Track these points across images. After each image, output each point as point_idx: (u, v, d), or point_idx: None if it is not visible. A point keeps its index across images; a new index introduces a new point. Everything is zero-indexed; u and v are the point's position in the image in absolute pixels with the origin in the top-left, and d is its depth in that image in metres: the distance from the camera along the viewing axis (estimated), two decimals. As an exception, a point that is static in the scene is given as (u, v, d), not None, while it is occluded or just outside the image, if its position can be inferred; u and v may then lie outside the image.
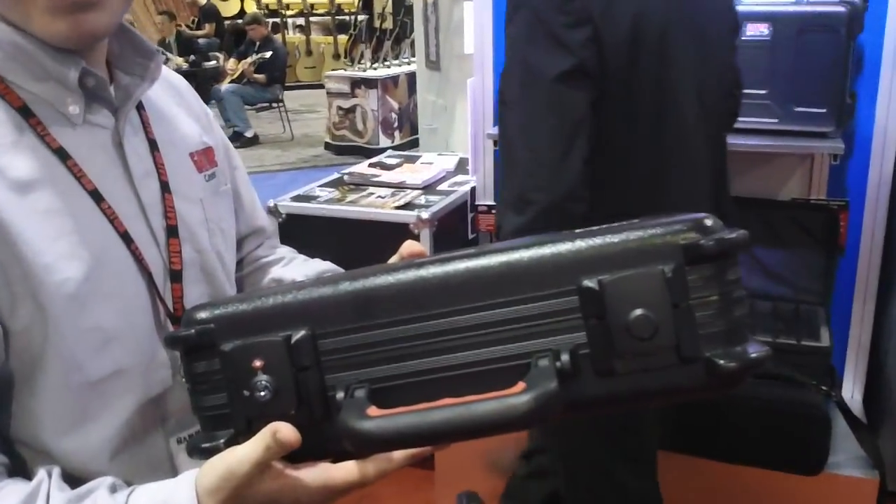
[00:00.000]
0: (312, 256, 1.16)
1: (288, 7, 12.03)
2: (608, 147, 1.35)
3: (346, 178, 2.82)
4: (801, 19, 1.96)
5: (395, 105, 7.17)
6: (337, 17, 11.34)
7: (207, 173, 0.97)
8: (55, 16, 0.75)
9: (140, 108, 0.90)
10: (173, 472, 0.84)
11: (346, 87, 7.16)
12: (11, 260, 0.73)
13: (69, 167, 0.79)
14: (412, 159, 3.06)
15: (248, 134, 8.22)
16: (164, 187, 0.88)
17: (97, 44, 0.83)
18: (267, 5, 11.93)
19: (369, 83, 7.07)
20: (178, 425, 0.85)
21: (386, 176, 2.79)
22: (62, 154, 0.79)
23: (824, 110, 1.97)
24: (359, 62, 7.65)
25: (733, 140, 2.01)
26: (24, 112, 0.78)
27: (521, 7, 1.33)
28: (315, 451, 0.68)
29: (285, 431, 0.64)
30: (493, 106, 2.47)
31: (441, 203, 2.50)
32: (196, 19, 11.44)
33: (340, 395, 0.66)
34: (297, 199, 2.61)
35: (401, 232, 2.37)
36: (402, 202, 2.51)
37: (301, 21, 11.98)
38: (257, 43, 8.56)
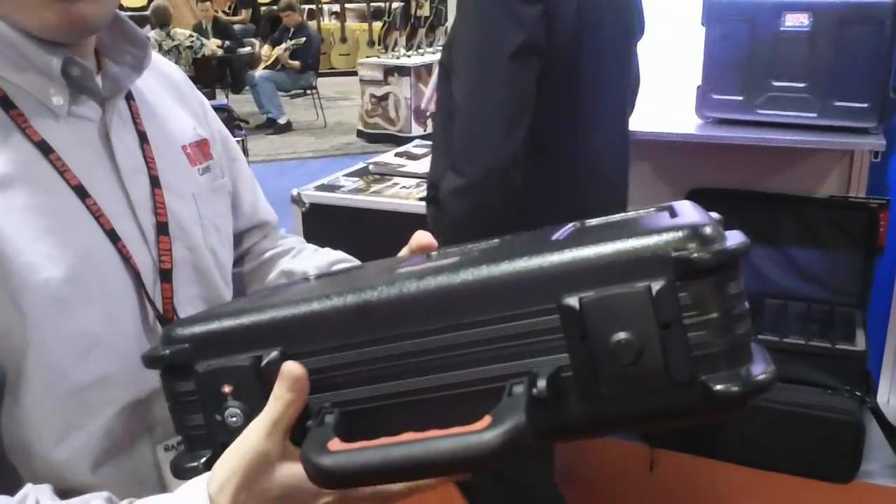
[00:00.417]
0: (335, 247, 1.12)
1: (324, -7, 12.04)
2: (551, 121, 1.44)
3: (371, 167, 2.79)
4: (843, 9, 1.88)
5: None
6: (372, 4, 11.31)
7: (202, 167, 0.93)
8: (49, 5, 0.71)
9: (130, 98, 0.86)
10: (160, 480, 0.80)
11: (379, 75, 7.13)
12: None
13: (52, 161, 0.75)
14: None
15: (282, 120, 8.23)
16: (154, 182, 0.84)
17: (90, 35, 0.79)
18: (303, -8, 11.95)
19: (402, 71, 7.04)
20: (166, 433, 0.81)
21: (412, 166, 2.75)
22: (44, 147, 0.75)
23: (866, 105, 1.89)
24: (392, 49, 7.62)
25: (770, 135, 1.95)
26: (4, 103, 0.74)
27: None
28: None
29: (289, 366, 0.61)
30: (522, 96, 2.42)
31: (466, 194, 2.45)
32: (233, 5, 11.49)
33: (310, 422, 0.63)
34: (320, 188, 2.58)
35: (423, 223, 2.32)
36: (425, 193, 2.47)
37: (336, 8, 11.97)
38: (292, 29, 8.56)
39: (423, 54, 7.35)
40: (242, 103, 8.97)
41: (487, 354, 0.60)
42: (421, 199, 2.42)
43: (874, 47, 1.86)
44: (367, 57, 8.48)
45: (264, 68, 8.45)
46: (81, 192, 0.77)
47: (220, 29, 9.58)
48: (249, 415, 0.63)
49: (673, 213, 0.64)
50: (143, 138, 0.85)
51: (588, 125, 1.53)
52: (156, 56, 0.94)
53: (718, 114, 2.07)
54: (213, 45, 8.64)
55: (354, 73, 8.48)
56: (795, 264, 2.23)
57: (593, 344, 0.56)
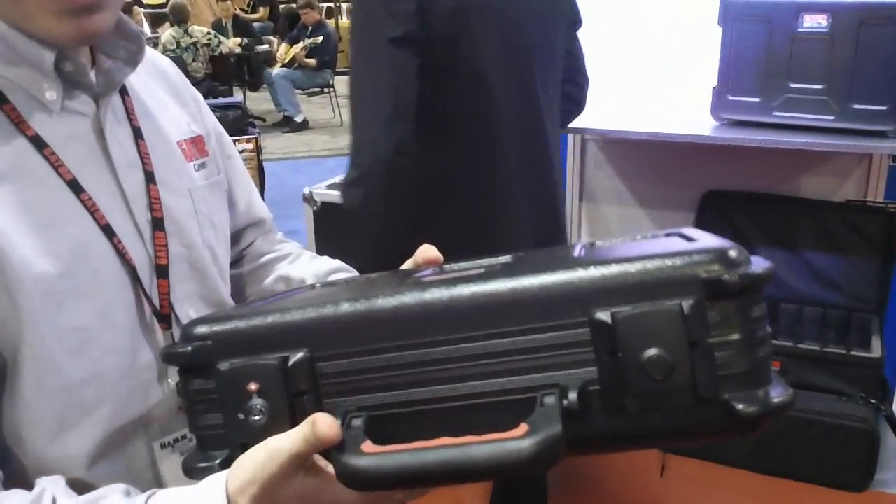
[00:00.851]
0: (346, 246, 1.12)
1: (342, -8, 12.05)
2: (440, 111, 1.47)
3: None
4: (862, 10, 1.84)
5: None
6: (391, 3, 11.30)
7: (197, 162, 0.92)
8: (61, 19, 0.72)
9: (124, 93, 0.86)
10: (156, 478, 0.80)
11: (395, 74, 7.12)
12: None
13: (45, 156, 0.75)
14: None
15: (298, 118, 8.25)
16: (149, 178, 0.84)
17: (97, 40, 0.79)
18: (321, -10, 11.97)
19: (419, 70, 7.02)
20: (162, 430, 0.81)
21: (425, 165, 2.74)
22: (38, 142, 0.75)
23: (885, 108, 1.86)
24: (409, 48, 7.61)
25: (787, 137, 1.93)
26: None
27: None
28: None
29: (323, 424, 0.60)
30: (536, 96, 2.40)
31: (479, 194, 2.44)
32: (251, 2, 11.53)
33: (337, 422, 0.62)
34: (332, 186, 2.57)
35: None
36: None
37: (355, 6, 11.98)
38: (310, 27, 8.57)
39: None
40: (260, 101, 8.99)
41: (517, 365, 0.60)
42: (433, 199, 2.41)
43: (893, 49, 1.83)
44: (385, 55, 8.47)
45: (282, 66, 8.47)
46: (76, 186, 0.76)
47: (240, 26, 9.63)
48: (273, 415, 0.63)
49: (687, 238, 0.66)
50: (137, 133, 0.85)
51: (484, 117, 1.53)
52: (150, 51, 0.94)
53: (734, 115, 2.04)
54: (230, 43, 8.68)
55: (372, 72, 8.47)
56: (812, 268, 2.20)
57: (624, 359, 0.58)
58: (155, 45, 7.51)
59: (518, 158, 1.62)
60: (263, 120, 8.32)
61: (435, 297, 0.62)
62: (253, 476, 0.61)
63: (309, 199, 2.50)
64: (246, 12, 11.24)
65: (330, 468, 0.61)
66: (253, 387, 0.63)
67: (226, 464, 0.64)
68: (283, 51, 8.72)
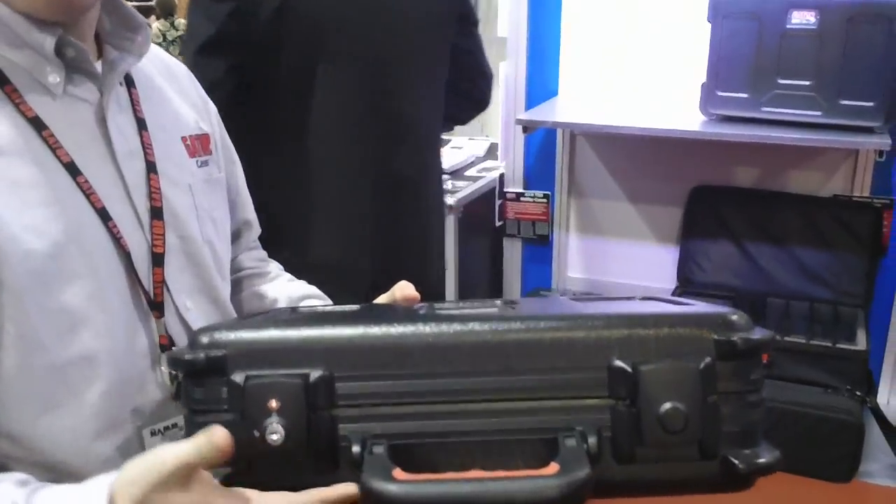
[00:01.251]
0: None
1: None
2: (271, 110, 1.53)
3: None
4: (850, 7, 1.86)
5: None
6: None
7: (200, 159, 0.94)
8: None
9: (131, 85, 0.87)
10: None
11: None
12: None
13: (44, 137, 0.75)
14: (442, 143, 3.01)
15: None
16: (151, 168, 0.85)
17: (81, 15, 0.79)
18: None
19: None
20: (153, 417, 0.81)
21: (415, 159, 2.74)
22: (38, 124, 0.76)
23: (872, 104, 1.88)
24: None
25: (775, 133, 1.94)
26: None
27: None
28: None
29: (220, 433, 0.59)
30: (526, 90, 2.41)
31: (468, 189, 2.45)
32: None
33: (357, 448, 0.61)
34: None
35: (426, 217, 2.32)
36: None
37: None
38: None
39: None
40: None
41: (537, 404, 0.62)
42: (423, 193, 2.42)
43: (881, 46, 1.85)
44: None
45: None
46: (73, 169, 0.77)
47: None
48: (289, 435, 0.60)
49: (676, 303, 0.72)
50: (141, 125, 0.86)
51: (298, 126, 1.55)
52: (162, 52, 0.97)
53: (723, 111, 2.06)
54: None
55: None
56: (799, 263, 2.22)
57: (642, 408, 0.60)
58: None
59: (358, 169, 1.61)
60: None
61: (462, 329, 0.63)
62: (137, 477, 0.60)
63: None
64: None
65: (220, 490, 0.61)
66: (274, 404, 0.61)
67: (228, 481, 0.62)
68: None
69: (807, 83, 1.94)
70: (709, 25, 2.02)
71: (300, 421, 0.61)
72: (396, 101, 1.65)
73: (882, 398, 2.23)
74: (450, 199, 2.32)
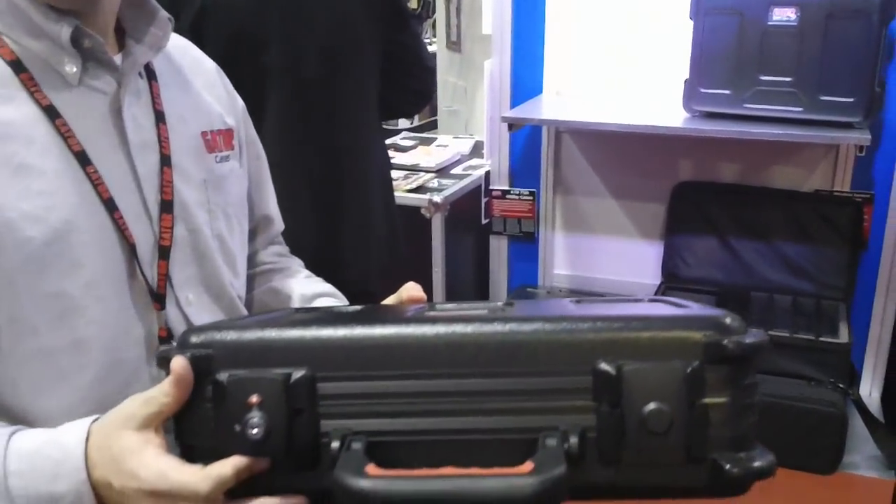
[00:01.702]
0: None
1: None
2: None
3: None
4: (830, 4, 1.88)
5: (416, 86, 7.10)
6: (361, -4, 11.25)
7: (219, 155, 0.94)
8: None
9: (152, 78, 0.88)
10: None
11: (367, 67, 7.09)
12: None
13: (56, 126, 0.76)
14: (427, 141, 3.02)
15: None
16: (165, 161, 0.85)
17: (98, 5, 0.80)
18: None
19: (390, 63, 7.00)
20: None
21: (400, 158, 2.75)
22: (51, 112, 0.76)
23: (852, 100, 1.90)
24: (381, 42, 7.58)
25: (757, 129, 1.96)
26: (16, 66, 0.76)
27: None
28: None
29: (176, 363, 0.63)
30: (511, 88, 2.42)
31: (454, 187, 2.46)
32: None
33: (336, 444, 0.62)
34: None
35: (413, 215, 2.33)
36: (414, 185, 2.47)
37: None
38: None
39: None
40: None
41: (518, 405, 0.62)
42: (409, 191, 2.43)
43: (860, 42, 1.87)
44: (356, 49, 8.43)
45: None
46: (83, 158, 0.77)
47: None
48: (270, 430, 0.62)
49: (677, 305, 0.71)
50: (159, 117, 0.86)
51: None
52: (192, 47, 0.98)
53: (706, 107, 2.07)
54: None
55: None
56: (782, 257, 2.24)
57: (626, 410, 0.59)
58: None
59: (290, 174, 1.63)
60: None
61: (445, 331, 0.63)
62: (111, 415, 0.67)
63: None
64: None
65: (151, 445, 0.64)
66: (254, 399, 0.62)
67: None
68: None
69: (788, 79, 1.96)
70: (691, 22, 2.04)
71: (280, 417, 0.62)
72: (318, 105, 1.68)
73: (864, 390, 2.25)
74: (437, 197, 2.33)
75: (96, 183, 0.78)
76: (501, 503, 0.55)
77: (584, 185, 2.46)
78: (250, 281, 1.06)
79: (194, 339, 0.65)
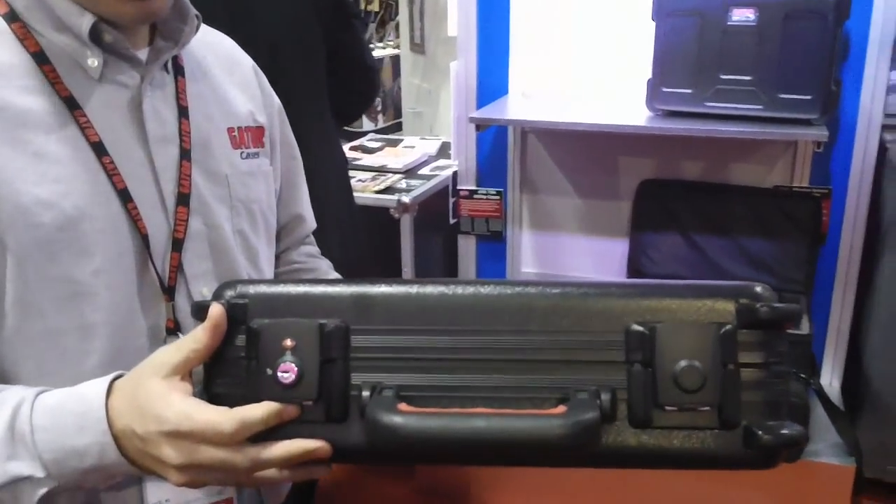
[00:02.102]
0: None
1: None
2: None
3: (327, 160, 2.78)
4: (787, 4, 1.93)
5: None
6: (321, -1, 11.19)
7: (246, 151, 0.94)
8: (125, 1, 0.77)
9: (179, 73, 0.89)
10: None
11: (329, 70, 7.07)
12: None
13: (75, 117, 0.78)
14: (394, 143, 3.03)
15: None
16: (184, 155, 0.86)
17: (156, 19, 0.83)
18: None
19: (353, 66, 6.99)
20: None
21: (367, 159, 2.76)
22: (71, 103, 0.78)
23: (810, 97, 1.96)
24: (343, 45, 7.57)
25: (718, 127, 2.01)
26: (40, 58, 0.77)
27: None
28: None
29: (215, 307, 0.65)
30: (477, 89, 2.44)
31: (422, 187, 2.48)
32: None
33: (366, 393, 0.63)
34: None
35: (381, 216, 2.34)
36: (382, 186, 2.48)
37: (285, 2, 11.82)
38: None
39: (373, 49, 7.33)
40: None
41: (549, 363, 0.62)
42: (377, 192, 2.44)
43: (817, 41, 1.92)
44: (318, 52, 8.40)
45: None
46: (99, 148, 0.79)
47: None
48: (302, 376, 0.62)
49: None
50: (182, 112, 0.87)
51: None
52: (230, 43, 1.00)
53: (668, 106, 2.11)
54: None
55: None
56: (744, 252, 2.29)
57: (658, 367, 0.60)
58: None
59: None
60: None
61: (479, 290, 0.64)
62: (139, 367, 0.69)
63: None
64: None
65: (186, 394, 0.65)
66: (289, 343, 0.63)
67: None
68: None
69: (747, 78, 2.01)
70: (653, 24, 2.08)
71: (312, 363, 0.63)
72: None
73: (825, 380, 2.31)
74: (405, 198, 2.34)
75: (111, 173, 0.79)
76: (532, 443, 0.55)
77: (551, 184, 2.50)
78: (277, 279, 1.05)
79: (229, 291, 0.67)
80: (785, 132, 1.99)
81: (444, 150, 2.89)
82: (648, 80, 2.12)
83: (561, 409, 0.57)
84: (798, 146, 2.22)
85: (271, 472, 0.65)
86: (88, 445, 0.68)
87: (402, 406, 0.59)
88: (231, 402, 0.65)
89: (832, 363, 2.32)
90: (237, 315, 0.65)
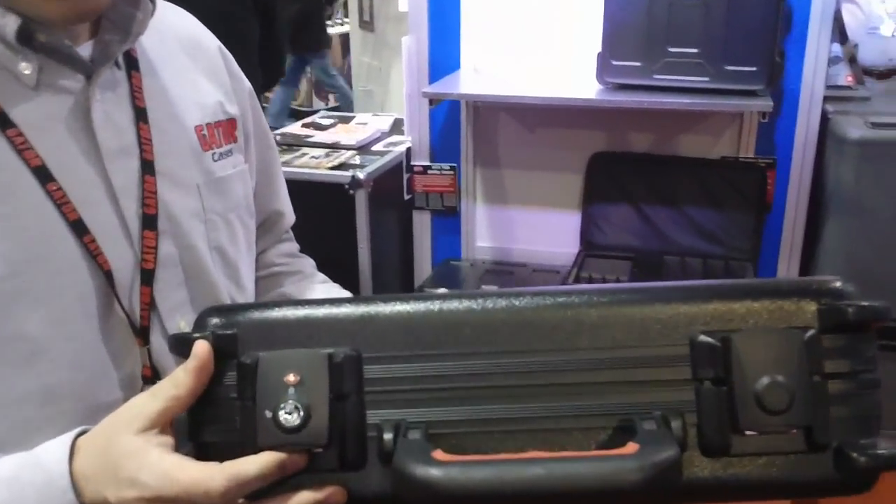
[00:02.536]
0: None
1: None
2: None
3: (278, 138, 2.76)
4: (732, -23, 1.97)
5: (329, 67, 7.05)
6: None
7: (218, 151, 0.81)
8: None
9: (133, 68, 0.75)
10: None
11: (277, 49, 7.00)
12: None
13: (9, 137, 0.65)
14: (346, 119, 3.02)
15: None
16: (147, 167, 0.72)
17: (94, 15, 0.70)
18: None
19: (301, 45, 6.93)
20: None
21: (320, 136, 2.75)
22: (2, 120, 0.65)
23: (755, 69, 2.01)
24: (290, 23, 7.49)
25: (666, 99, 2.05)
26: None
27: None
28: None
29: (200, 345, 0.54)
30: (429, 65, 2.45)
31: (376, 163, 2.47)
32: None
33: (388, 435, 0.52)
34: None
35: (336, 192, 2.33)
36: (336, 162, 2.47)
37: (230, -19, 11.63)
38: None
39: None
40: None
41: (604, 386, 0.51)
42: (331, 168, 2.43)
43: (761, 14, 1.97)
44: (265, 31, 8.30)
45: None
46: (43, 174, 0.66)
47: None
48: (308, 416, 0.52)
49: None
50: (140, 115, 0.73)
51: None
52: (193, 23, 0.85)
53: (618, 79, 2.15)
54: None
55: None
56: (692, 223, 2.35)
57: (736, 385, 0.50)
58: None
59: None
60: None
61: (511, 303, 0.54)
62: (108, 419, 0.57)
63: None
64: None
65: (166, 449, 0.54)
66: (292, 378, 0.52)
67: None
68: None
69: (694, 51, 2.05)
70: (602, -3, 2.10)
71: (321, 401, 0.52)
72: None
73: (772, 345, 2.38)
74: (360, 174, 2.34)
75: (60, 203, 0.66)
76: (603, 492, 0.45)
77: (504, 158, 2.52)
78: (256, 285, 0.92)
79: (214, 319, 0.55)
80: (731, 103, 2.04)
81: (396, 127, 2.88)
82: (598, 54, 2.15)
83: (632, 447, 0.46)
84: (744, 117, 2.27)
85: None
86: None
87: (438, 454, 0.48)
88: (223, 453, 0.54)
89: (778, 328, 2.39)
90: (225, 348, 0.54)
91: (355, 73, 4.51)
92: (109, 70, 0.72)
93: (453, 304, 0.54)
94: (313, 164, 2.45)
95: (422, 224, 2.61)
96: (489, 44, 2.43)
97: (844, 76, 2.31)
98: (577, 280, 2.24)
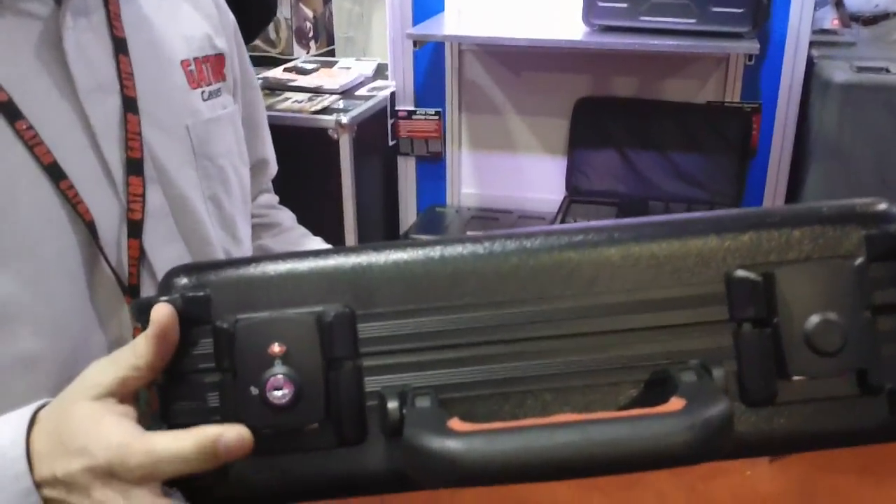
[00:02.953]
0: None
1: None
2: None
3: (260, 83, 2.72)
4: (720, -84, 1.95)
5: (310, 13, 6.88)
6: (245, -77, 10.79)
7: (207, 90, 0.73)
8: None
9: None
10: None
11: (257, -4, 6.87)
12: None
13: None
14: (329, 64, 2.98)
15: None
16: (129, 105, 0.64)
17: None
18: None
19: (282, -9, 6.81)
20: None
21: (302, 80, 2.71)
22: None
23: (741, 10, 1.99)
24: (270, -31, 7.34)
25: (654, 41, 2.03)
26: None
27: None
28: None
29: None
30: (412, 7, 2.41)
31: (360, 108, 2.45)
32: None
33: (392, 404, 0.45)
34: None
35: (319, 137, 2.31)
36: (319, 107, 2.44)
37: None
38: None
39: (302, -26, 7.12)
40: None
41: (631, 334, 0.46)
42: (315, 112, 2.41)
43: (749, -47, 1.95)
44: (244, -22, 8.13)
45: None
46: (10, 110, 0.58)
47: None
48: (301, 389, 0.45)
49: None
50: (119, 46, 0.65)
51: None
52: None
53: (605, 21, 2.13)
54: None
55: (231, -5, 8.11)
56: (677, 168, 2.35)
57: (782, 327, 0.45)
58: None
59: None
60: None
61: (525, 246, 0.47)
62: (66, 389, 0.50)
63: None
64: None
65: (124, 418, 0.47)
66: (276, 349, 0.46)
67: (216, 476, 0.47)
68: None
69: (680, -8, 2.03)
70: (589, -63, 2.07)
71: (314, 371, 0.46)
72: None
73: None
74: (344, 118, 2.32)
75: (32, 144, 0.58)
76: (647, 456, 0.39)
77: (489, 104, 2.50)
78: (244, 257, 0.83)
79: (182, 279, 0.48)
80: (717, 45, 2.03)
81: (380, 72, 2.85)
82: (585, -5, 2.12)
83: (677, 403, 0.40)
84: (730, 62, 2.26)
85: None
86: None
87: (455, 424, 0.41)
88: None
89: (760, 273, 2.41)
90: (197, 312, 0.47)
91: (337, 19, 4.43)
92: None
93: (456, 250, 0.47)
94: (296, 108, 2.42)
95: (406, 170, 2.59)
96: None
97: (830, 19, 2.30)
98: (562, 225, 2.24)
